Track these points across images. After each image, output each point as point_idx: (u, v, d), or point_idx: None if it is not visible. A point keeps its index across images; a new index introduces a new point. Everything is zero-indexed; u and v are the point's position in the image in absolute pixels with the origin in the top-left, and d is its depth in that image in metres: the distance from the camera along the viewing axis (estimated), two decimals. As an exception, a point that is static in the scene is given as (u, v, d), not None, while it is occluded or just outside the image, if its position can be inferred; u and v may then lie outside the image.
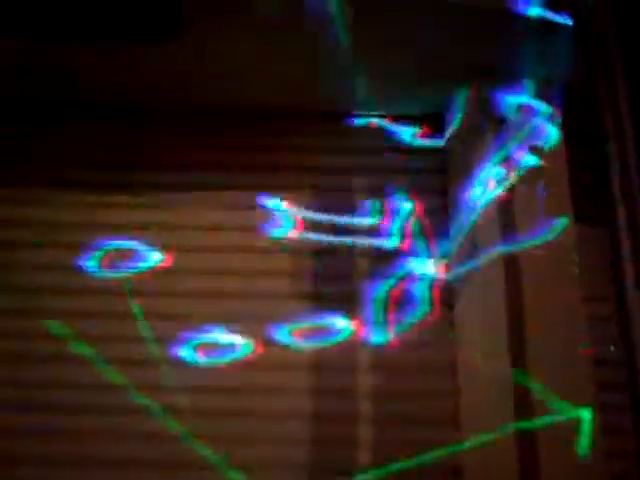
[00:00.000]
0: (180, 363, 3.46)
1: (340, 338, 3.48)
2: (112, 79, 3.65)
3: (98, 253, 3.63)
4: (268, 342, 3.48)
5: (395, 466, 3.27)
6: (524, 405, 3.01)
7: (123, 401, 3.41)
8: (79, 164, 3.81)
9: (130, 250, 3.65)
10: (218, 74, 3.61)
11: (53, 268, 3.63)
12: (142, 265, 3.64)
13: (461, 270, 3.53)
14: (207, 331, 3.52)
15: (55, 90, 3.75)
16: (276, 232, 3.68)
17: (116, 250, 3.65)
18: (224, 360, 3.47)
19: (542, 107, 3.43)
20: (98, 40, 3.36)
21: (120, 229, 3.68)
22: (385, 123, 3.88)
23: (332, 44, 3.36)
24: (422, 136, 3.87)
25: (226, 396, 3.46)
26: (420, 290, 3.58)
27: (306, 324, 3.50)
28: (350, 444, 3.41)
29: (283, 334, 3.47)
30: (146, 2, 3.19)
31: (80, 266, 3.61)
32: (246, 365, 3.46)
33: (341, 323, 3.49)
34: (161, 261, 3.64)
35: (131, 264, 3.63)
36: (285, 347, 3.48)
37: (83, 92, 3.76)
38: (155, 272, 3.63)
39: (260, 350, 3.48)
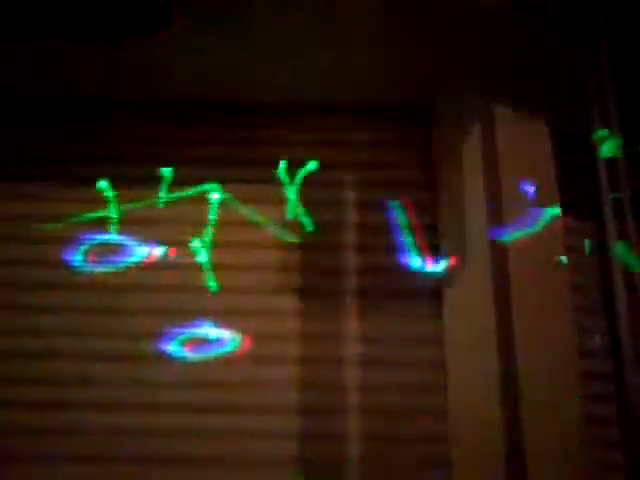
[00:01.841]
0: (167, 358, 3.46)
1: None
2: (102, 72, 3.63)
3: (84, 248, 3.63)
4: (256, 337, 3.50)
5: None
6: (511, 396, 3.01)
7: (110, 396, 3.41)
8: (66, 159, 3.79)
9: (116, 245, 3.65)
10: (210, 67, 3.60)
11: (39, 263, 3.63)
12: (128, 260, 3.64)
13: (450, 263, 3.53)
14: (194, 326, 3.52)
15: (45, 86, 3.73)
16: (266, 227, 3.69)
17: (102, 245, 3.64)
18: (211, 355, 3.48)
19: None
20: (93, 34, 3.34)
21: (106, 223, 3.67)
22: (373, 117, 3.88)
23: (321, 40, 3.39)
24: (410, 130, 3.87)
25: (214, 391, 3.45)
26: (408, 283, 3.59)
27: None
28: (340, 438, 3.39)
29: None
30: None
31: (67, 261, 3.61)
32: (233, 360, 3.47)
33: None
34: (147, 256, 3.64)
35: (117, 259, 3.63)
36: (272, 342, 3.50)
37: (74, 87, 3.75)
38: (141, 267, 3.62)
39: (248, 345, 3.49)
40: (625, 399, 2.65)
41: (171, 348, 3.49)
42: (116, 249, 3.65)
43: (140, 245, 3.65)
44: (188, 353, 3.49)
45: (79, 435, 3.36)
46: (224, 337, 3.52)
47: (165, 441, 3.36)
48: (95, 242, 3.65)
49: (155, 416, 3.39)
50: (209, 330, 3.53)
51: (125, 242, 3.65)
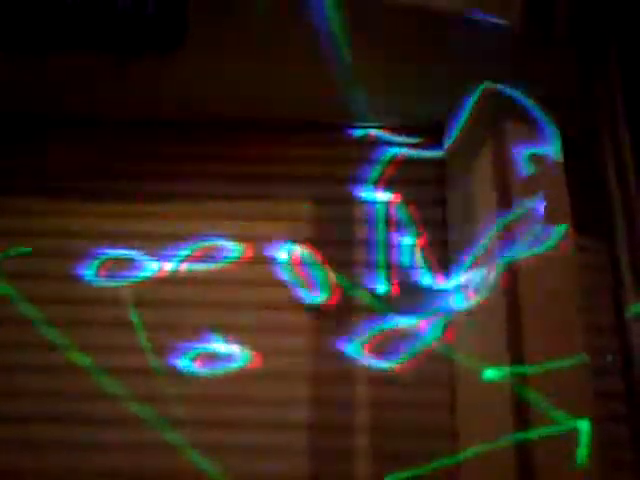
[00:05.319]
0: (178, 373, 3.47)
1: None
2: (110, 90, 3.66)
3: (96, 262, 3.65)
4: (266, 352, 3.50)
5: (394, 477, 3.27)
6: (523, 416, 3.00)
7: (121, 411, 3.41)
8: (74, 173, 3.80)
9: (128, 259, 3.66)
10: (219, 85, 3.63)
11: (52, 277, 3.63)
12: (140, 275, 3.65)
13: (461, 280, 3.53)
14: (205, 341, 3.53)
15: (56, 101, 3.75)
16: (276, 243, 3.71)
17: (114, 259, 3.66)
18: (222, 370, 3.48)
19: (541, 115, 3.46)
20: (103, 52, 3.38)
21: (117, 238, 3.69)
22: (384, 134, 3.90)
23: (333, 58, 3.40)
24: (421, 147, 3.88)
25: (224, 406, 3.45)
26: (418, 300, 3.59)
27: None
28: (349, 455, 3.39)
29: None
30: (151, 14, 3.21)
31: (78, 275, 3.62)
32: (244, 375, 3.48)
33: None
34: (158, 271, 3.65)
35: (129, 273, 3.64)
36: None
37: (81, 103, 3.77)
38: (153, 282, 3.63)
39: (258, 360, 3.49)
40: (637, 418, 2.65)
41: (181, 363, 3.49)
42: (128, 264, 3.66)
43: (151, 260, 3.67)
44: (198, 368, 3.49)
45: (90, 450, 3.35)
46: (234, 353, 3.52)
47: (174, 456, 3.35)
48: (107, 257, 3.67)
49: (164, 431, 3.39)
50: (219, 345, 3.53)
51: (137, 257, 3.67)
